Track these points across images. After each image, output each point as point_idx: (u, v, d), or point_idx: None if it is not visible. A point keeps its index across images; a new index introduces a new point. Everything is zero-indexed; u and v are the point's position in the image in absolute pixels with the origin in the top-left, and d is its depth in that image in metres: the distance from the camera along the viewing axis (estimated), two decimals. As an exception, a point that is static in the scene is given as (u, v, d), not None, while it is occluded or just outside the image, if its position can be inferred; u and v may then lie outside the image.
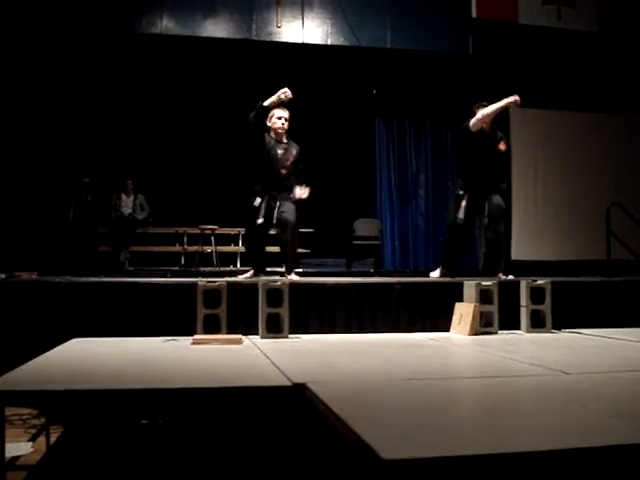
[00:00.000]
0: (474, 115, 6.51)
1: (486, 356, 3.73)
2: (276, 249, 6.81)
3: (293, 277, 6.03)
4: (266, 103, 6.18)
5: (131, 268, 10.08)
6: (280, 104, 6.31)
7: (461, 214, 6.42)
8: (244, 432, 3.07)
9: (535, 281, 5.15)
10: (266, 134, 6.39)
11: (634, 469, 1.68)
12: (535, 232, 11.56)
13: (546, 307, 5.06)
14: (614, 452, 1.68)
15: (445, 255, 6.81)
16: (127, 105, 10.88)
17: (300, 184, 6.39)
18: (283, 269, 6.41)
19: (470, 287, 5.02)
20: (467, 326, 4.77)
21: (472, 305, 4.84)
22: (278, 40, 9.92)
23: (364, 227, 11.32)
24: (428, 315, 5.44)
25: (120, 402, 2.65)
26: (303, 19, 9.95)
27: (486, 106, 6.57)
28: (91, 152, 10.59)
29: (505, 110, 11.41)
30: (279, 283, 4.76)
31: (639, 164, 12.05)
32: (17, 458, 3.57)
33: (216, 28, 9.77)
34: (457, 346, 4.35)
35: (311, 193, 6.37)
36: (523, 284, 5.13)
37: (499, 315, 4.97)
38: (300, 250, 11.04)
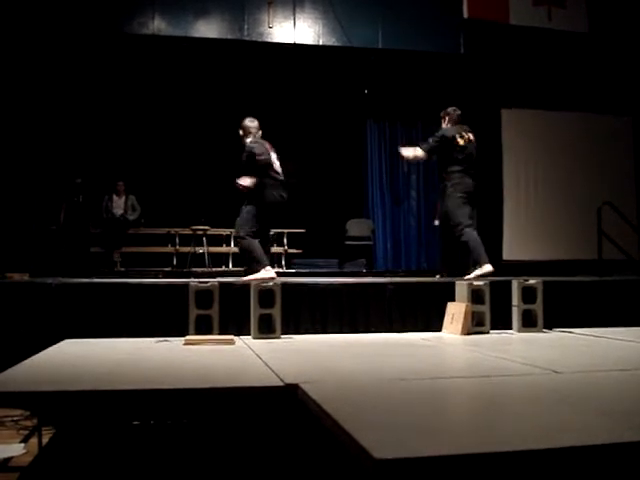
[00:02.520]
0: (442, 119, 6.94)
1: (478, 356, 3.74)
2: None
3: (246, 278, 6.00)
4: None
5: (123, 269, 10.06)
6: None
7: None
8: (237, 433, 3.07)
9: (527, 281, 5.17)
10: None
11: (624, 467, 1.69)
12: (526, 232, 11.58)
13: (537, 307, 5.08)
14: (605, 451, 1.68)
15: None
16: (119, 106, 10.85)
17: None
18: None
19: (462, 287, 5.04)
20: (459, 326, 4.78)
21: (464, 305, 4.85)
22: (270, 40, 9.91)
23: (356, 227, 11.34)
24: (420, 315, 5.45)
25: (112, 403, 2.65)
26: (294, 19, 9.95)
27: (451, 113, 6.86)
28: (83, 153, 10.55)
29: (497, 110, 11.54)
30: (271, 284, 4.76)
31: (630, 164, 12.10)
32: (9, 459, 3.56)
33: (208, 28, 9.75)
34: (449, 346, 4.36)
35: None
36: (515, 284, 5.15)
37: (491, 315, 4.99)
38: (292, 250, 11.08)
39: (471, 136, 6.76)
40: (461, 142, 6.66)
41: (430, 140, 6.80)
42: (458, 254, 6.61)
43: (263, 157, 6.36)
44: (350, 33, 9.96)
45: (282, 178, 6.48)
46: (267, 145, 6.54)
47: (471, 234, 6.42)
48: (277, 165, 6.50)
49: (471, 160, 6.71)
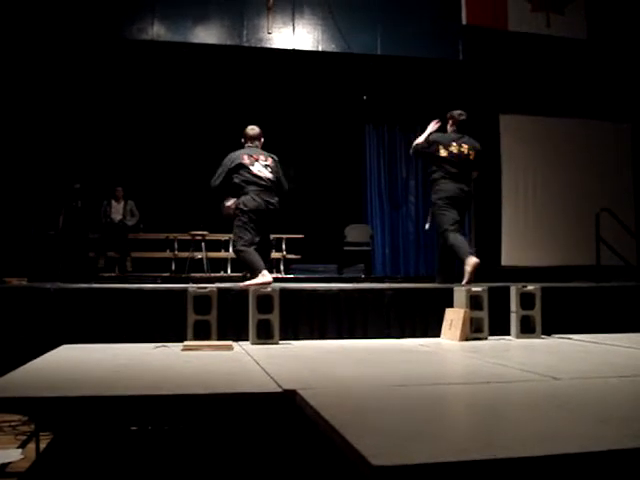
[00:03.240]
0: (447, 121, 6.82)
1: (476, 362, 3.74)
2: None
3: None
4: None
5: (115, 273, 10.08)
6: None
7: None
8: (234, 438, 3.07)
9: (525, 287, 5.17)
10: None
11: (623, 474, 1.69)
12: (525, 238, 11.59)
13: (536, 313, 5.07)
14: (603, 457, 1.68)
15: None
16: (118, 111, 10.87)
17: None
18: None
19: (460, 293, 5.04)
20: (457, 332, 4.78)
21: (462, 311, 4.85)
22: (269, 46, 9.92)
23: (355, 233, 11.35)
24: (419, 321, 5.44)
25: (110, 408, 2.64)
26: (294, 25, 9.97)
27: (455, 117, 6.76)
28: (81, 158, 10.57)
29: (495, 116, 11.56)
30: (269, 289, 4.76)
31: (628, 170, 12.12)
32: (7, 465, 3.55)
33: (207, 34, 9.77)
34: (447, 352, 4.36)
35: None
36: (513, 290, 5.14)
37: (489, 321, 4.98)
38: (290, 256, 11.08)
39: (464, 148, 6.67)
40: (443, 154, 6.57)
41: (420, 142, 6.75)
42: (454, 263, 6.58)
43: (228, 164, 6.46)
44: (349, 39, 9.98)
45: (265, 183, 6.45)
46: (246, 154, 6.53)
47: (455, 236, 6.39)
48: (262, 171, 6.49)
49: (454, 167, 6.61)
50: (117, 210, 10.83)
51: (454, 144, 6.61)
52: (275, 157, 6.63)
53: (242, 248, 6.28)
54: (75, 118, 10.63)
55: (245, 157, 6.49)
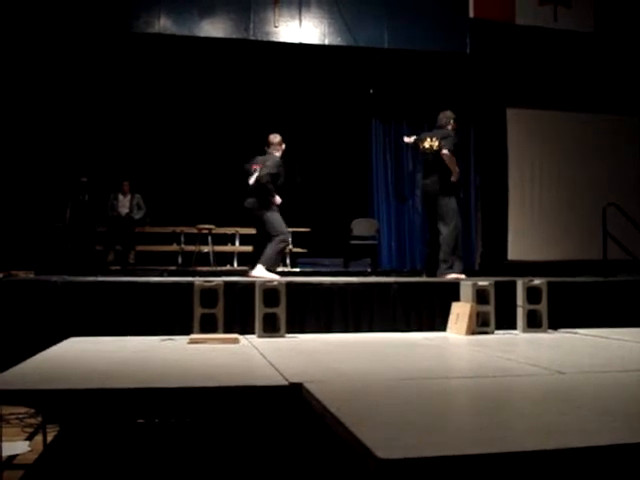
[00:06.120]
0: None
1: (482, 356, 3.74)
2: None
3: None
4: None
5: (118, 267, 10.10)
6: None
7: None
8: (241, 431, 3.08)
9: (531, 281, 5.16)
10: None
11: (628, 468, 1.69)
12: (531, 232, 11.56)
13: (542, 307, 5.07)
14: (608, 451, 1.68)
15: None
16: (124, 105, 10.86)
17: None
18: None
19: (467, 287, 5.03)
20: (464, 326, 4.78)
21: (469, 305, 4.84)
22: (275, 40, 9.91)
23: (361, 227, 11.32)
24: (425, 315, 5.45)
25: (117, 401, 2.65)
26: (300, 19, 9.95)
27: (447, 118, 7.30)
28: (88, 151, 10.57)
29: (502, 110, 11.58)
30: (276, 283, 4.77)
31: (635, 164, 12.07)
32: (14, 457, 3.57)
33: (213, 28, 9.76)
34: (453, 346, 4.36)
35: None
36: (519, 284, 5.14)
37: (495, 315, 4.98)
38: (297, 249, 11.09)
39: (431, 143, 7.16)
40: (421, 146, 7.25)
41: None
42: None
43: None
44: (356, 33, 9.96)
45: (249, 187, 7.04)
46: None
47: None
48: (250, 179, 7.01)
49: (426, 164, 7.26)
50: (124, 204, 10.84)
51: (427, 139, 6.95)
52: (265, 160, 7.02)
53: None
54: (82, 112, 10.63)
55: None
